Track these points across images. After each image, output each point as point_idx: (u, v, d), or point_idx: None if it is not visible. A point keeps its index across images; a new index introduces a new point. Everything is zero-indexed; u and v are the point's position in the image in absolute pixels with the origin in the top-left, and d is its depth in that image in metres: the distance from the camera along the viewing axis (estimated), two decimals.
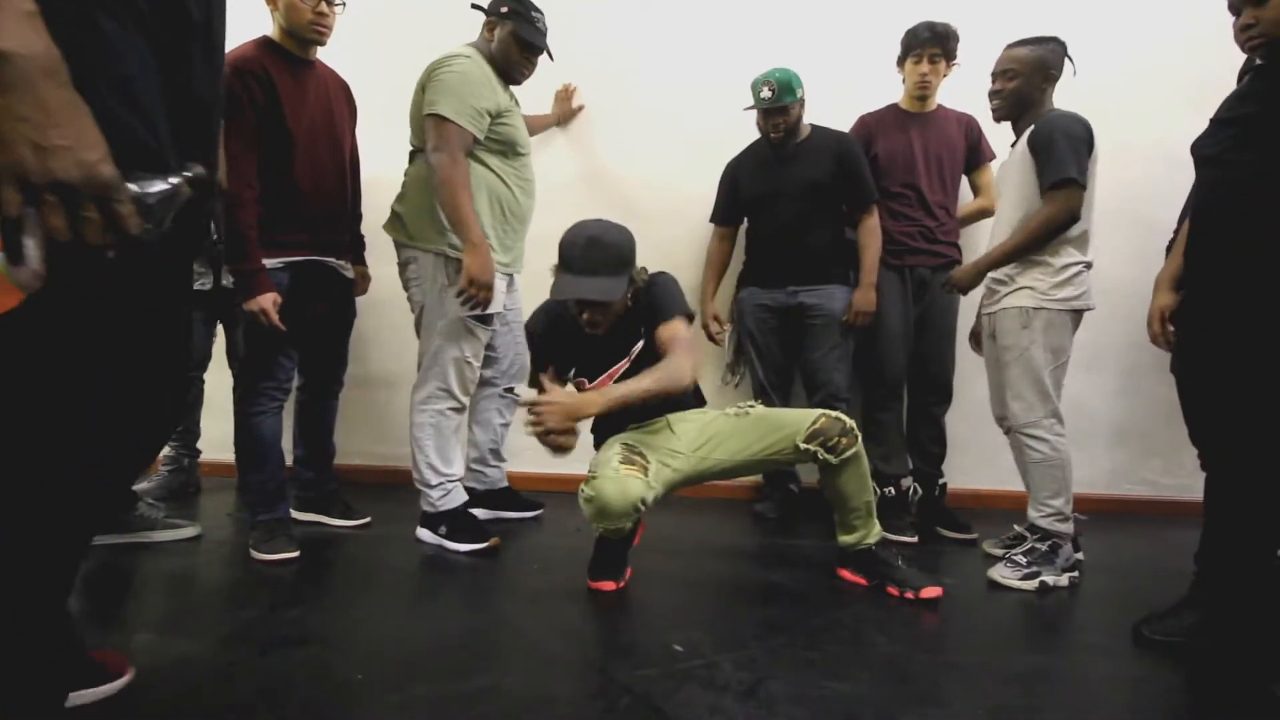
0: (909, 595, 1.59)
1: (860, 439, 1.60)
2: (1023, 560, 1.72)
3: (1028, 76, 1.75)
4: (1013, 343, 1.76)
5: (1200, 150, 1.43)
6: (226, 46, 1.68)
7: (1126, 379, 2.53)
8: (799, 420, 1.60)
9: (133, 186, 0.59)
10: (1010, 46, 1.80)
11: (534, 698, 1.13)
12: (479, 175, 1.87)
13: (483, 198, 1.88)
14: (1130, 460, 2.57)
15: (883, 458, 2.25)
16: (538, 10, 1.90)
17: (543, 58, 1.97)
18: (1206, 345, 1.40)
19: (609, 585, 1.63)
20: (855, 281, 2.23)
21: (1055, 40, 1.78)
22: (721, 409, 1.72)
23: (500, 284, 1.91)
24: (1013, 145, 1.86)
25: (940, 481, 2.30)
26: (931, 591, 1.59)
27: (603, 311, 1.55)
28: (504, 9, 1.85)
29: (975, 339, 2.04)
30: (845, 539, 1.70)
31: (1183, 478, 2.48)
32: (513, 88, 1.98)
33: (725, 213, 2.39)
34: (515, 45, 1.88)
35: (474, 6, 1.91)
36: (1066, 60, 1.78)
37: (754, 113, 2.22)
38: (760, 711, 1.10)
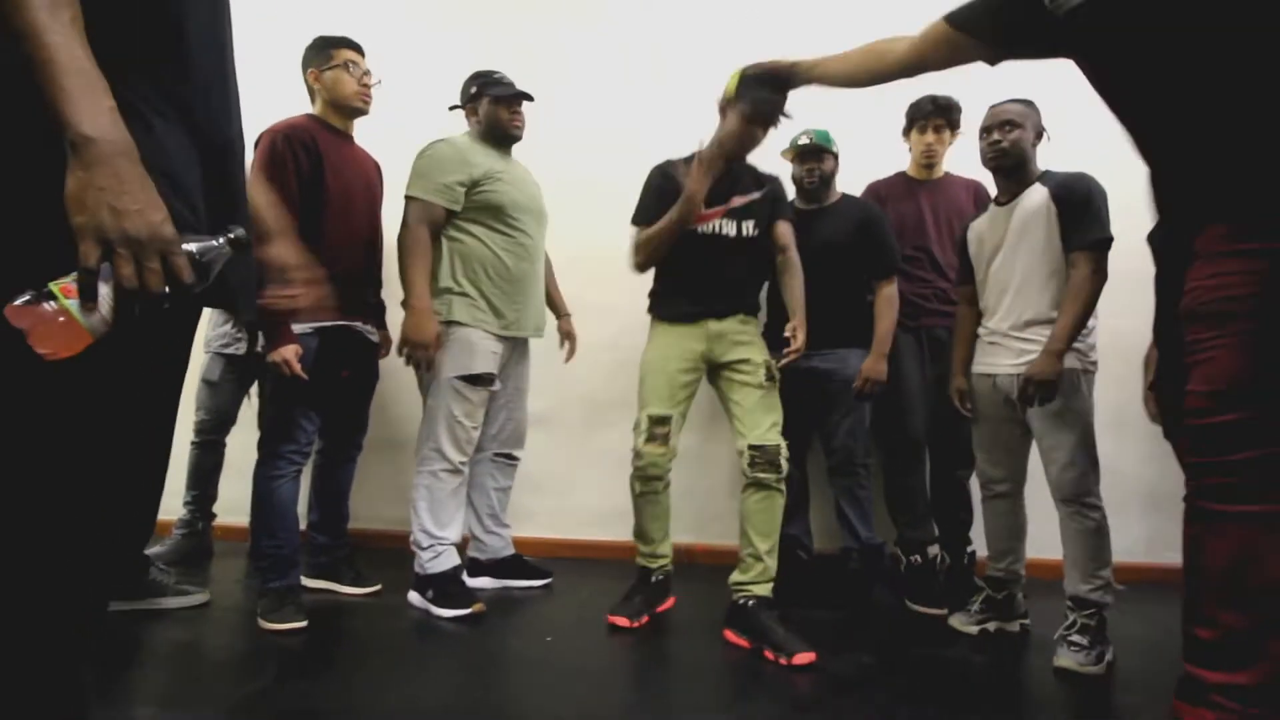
0: (783, 661, 1.60)
1: (783, 486, 1.77)
2: (1084, 642, 1.62)
3: (1026, 129, 1.76)
4: (1065, 407, 1.67)
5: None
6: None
7: (1158, 441, 2.39)
8: (764, 426, 1.79)
9: (187, 245, 0.70)
10: (1000, 105, 1.80)
11: None
12: (460, 245, 1.96)
13: (462, 265, 1.96)
14: (1167, 526, 2.44)
15: (908, 524, 2.18)
16: (498, 72, 2.06)
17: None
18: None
19: (623, 621, 1.82)
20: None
21: (1031, 103, 1.81)
22: (763, 362, 1.87)
23: (490, 344, 1.96)
24: (1000, 203, 1.83)
25: (969, 549, 2.21)
26: (804, 658, 1.59)
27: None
28: (472, 90, 2.05)
29: (963, 396, 1.93)
30: (736, 575, 1.80)
31: None
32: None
33: None
34: (493, 107, 2.01)
35: (451, 108, 2.11)
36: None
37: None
38: None
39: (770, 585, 1.77)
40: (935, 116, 2.24)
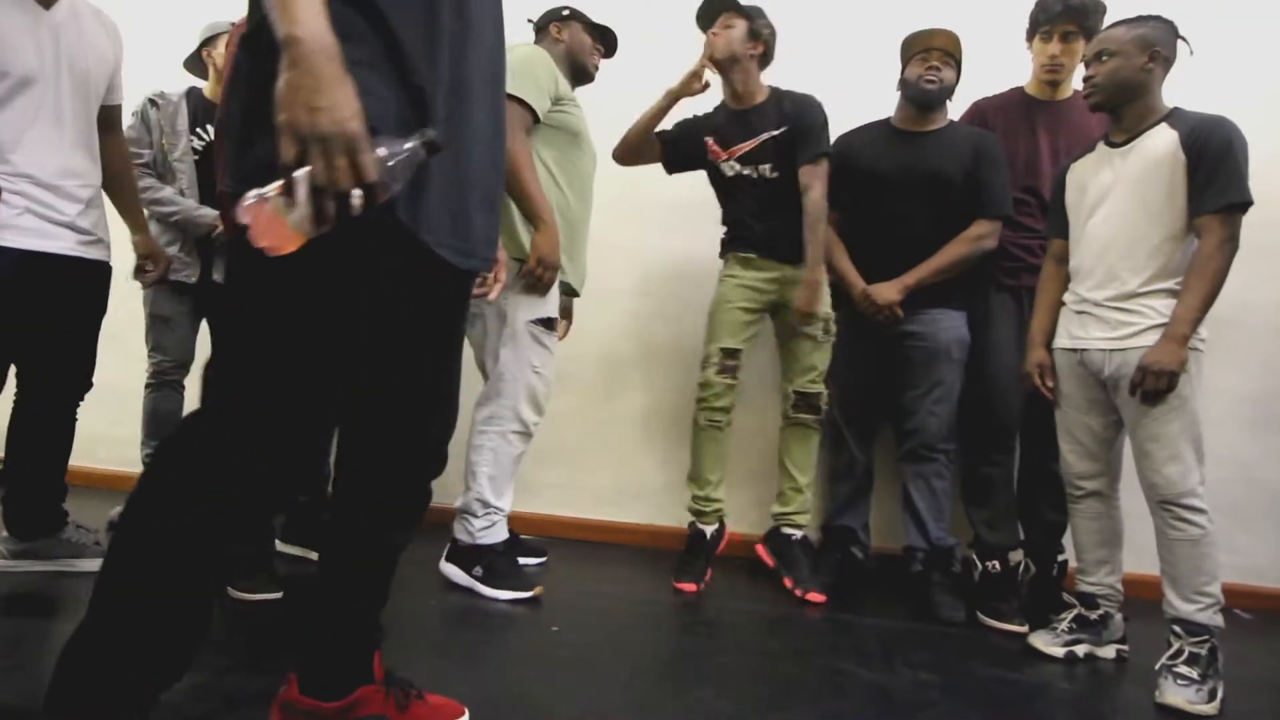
0: (798, 593, 1.84)
1: (820, 426, 1.94)
2: (1194, 674, 1.42)
3: (1126, 56, 1.51)
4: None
5: None
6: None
7: None
8: (810, 375, 1.91)
9: (379, 149, 0.74)
10: (1103, 30, 1.60)
11: None
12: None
13: None
14: None
15: (987, 523, 1.89)
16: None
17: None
18: None
19: (690, 586, 1.85)
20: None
21: (1157, 19, 1.52)
22: (825, 316, 1.90)
23: (556, 286, 1.77)
24: (1111, 144, 1.57)
25: (1059, 558, 1.92)
26: (816, 597, 1.82)
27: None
28: (565, 11, 1.92)
29: (1044, 372, 1.67)
30: (776, 507, 1.98)
31: None
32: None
33: (837, 193, 1.99)
34: (588, 34, 1.90)
35: (530, 20, 1.94)
36: (1180, 42, 1.52)
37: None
38: None
39: (807, 516, 1.97)
40: (1065, 21, 1.83)
